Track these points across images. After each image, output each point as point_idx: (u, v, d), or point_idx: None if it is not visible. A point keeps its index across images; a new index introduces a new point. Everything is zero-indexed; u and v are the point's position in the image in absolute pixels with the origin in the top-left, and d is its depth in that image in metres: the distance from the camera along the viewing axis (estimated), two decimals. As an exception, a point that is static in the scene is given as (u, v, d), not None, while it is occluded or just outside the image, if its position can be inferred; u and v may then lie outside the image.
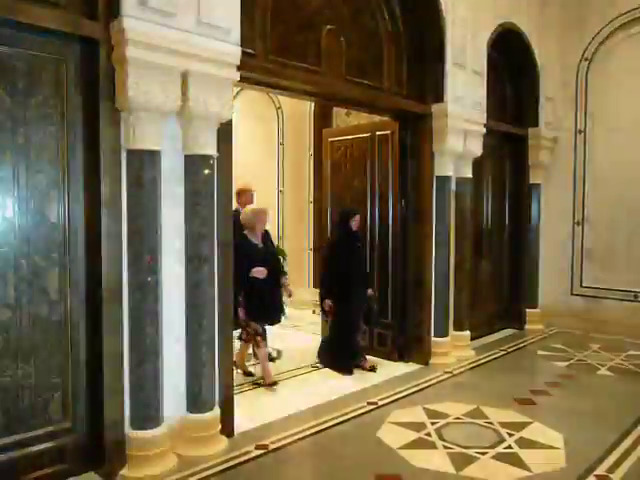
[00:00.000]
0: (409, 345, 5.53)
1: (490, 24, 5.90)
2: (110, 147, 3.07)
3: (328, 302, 5.15)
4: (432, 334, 5.45)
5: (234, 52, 3.43)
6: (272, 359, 5.34)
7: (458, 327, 5.70)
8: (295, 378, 5.02)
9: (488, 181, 6.74)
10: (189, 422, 3.43)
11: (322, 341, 5.58)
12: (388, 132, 5.59)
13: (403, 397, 4.49)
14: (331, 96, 4.88)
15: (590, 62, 6.92)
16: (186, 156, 3.37)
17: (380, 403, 4.38)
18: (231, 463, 3.35)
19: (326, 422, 3.98)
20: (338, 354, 5.21)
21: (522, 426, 3.93)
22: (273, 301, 4.83)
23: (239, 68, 3.48)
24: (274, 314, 4.87)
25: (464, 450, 3.55)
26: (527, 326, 7.04)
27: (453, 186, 5.61)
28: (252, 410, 4.19)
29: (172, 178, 3.34)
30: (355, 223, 5.18)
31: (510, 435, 3.78)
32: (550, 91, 7.00)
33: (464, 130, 5.49)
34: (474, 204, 6.07)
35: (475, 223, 6.31)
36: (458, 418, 4.06)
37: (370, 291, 5.30)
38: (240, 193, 5.41)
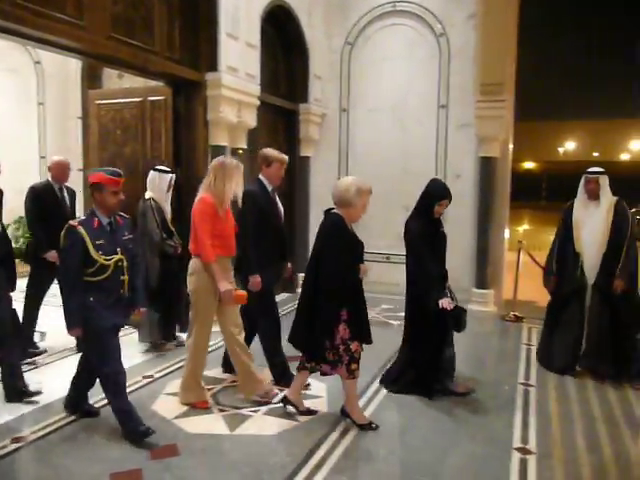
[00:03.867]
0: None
1: (263, -2, 6.05)
2: None
3: (441, 301, 3.89)
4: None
5: (-33, -10, 2.93)
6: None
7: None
8: (61, 361, 4.63)
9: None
10: None
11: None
12: (162, 98, 5.41)
13: (180, 368, 4.48)
14: (95, 54, 4.49)
15: (352, 47, 7.59)
16: None
17: (156, 376, 4.35)
18: (-20, 462, 3.00)
19: (97, 403, 3.79)
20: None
21: (292, 381, 4.26)
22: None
23: (-25, 10, 2.99)
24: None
25: (238, 411, 3.75)
26: (299, 289, 7.56)
27: (229, 156, 5.68)
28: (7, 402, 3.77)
29: None
30: (439, 208, 4.03)
31: (281, 391, 4.07)
32: (319, 70, 7.50)
33: (238, 101, 5.59)
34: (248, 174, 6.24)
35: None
36: (234, 381, 4.20)
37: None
38: (268, 160, 4.14)
